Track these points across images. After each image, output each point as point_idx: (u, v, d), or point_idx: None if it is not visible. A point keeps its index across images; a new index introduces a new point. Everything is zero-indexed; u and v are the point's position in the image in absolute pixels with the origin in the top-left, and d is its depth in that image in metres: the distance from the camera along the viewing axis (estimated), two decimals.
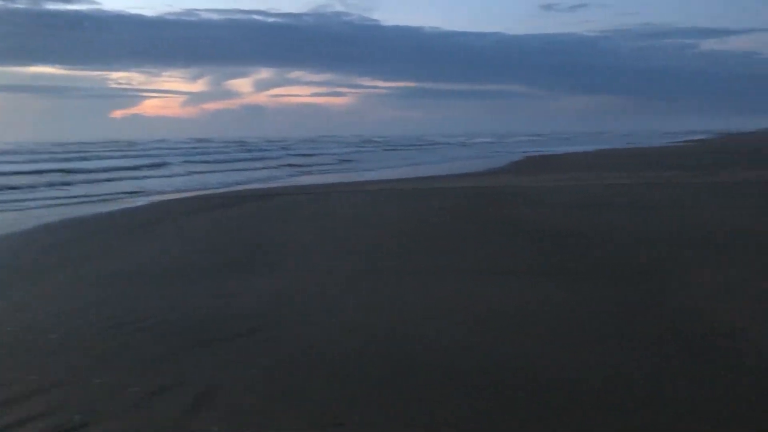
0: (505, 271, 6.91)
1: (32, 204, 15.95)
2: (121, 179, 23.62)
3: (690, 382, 3.84)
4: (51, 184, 21.22)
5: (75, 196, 17.80)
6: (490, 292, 6.06)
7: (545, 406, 3.58)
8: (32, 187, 20.37)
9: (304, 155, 42.91)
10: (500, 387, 3.83)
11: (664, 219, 10.12)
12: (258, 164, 34.42)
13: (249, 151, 51.00)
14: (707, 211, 11.05)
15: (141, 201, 16.57)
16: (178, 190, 19.59)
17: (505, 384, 3.87)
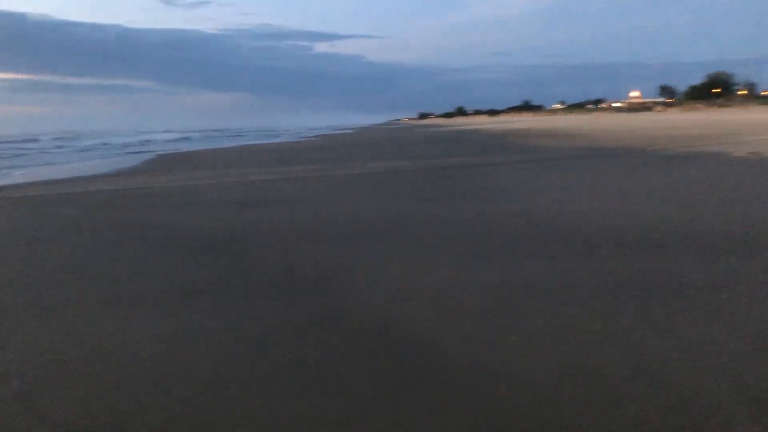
0: (148, 297, 5.36)
1: None
2: None
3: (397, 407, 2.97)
4: None
5: None
6: (130, 330, 4.50)
7: None
8: None
9: None
10: None
11: (323, 214, 9.62)
12: None
13: None
14: (363, 202, 10.97)
15: None
16: None
17: None
